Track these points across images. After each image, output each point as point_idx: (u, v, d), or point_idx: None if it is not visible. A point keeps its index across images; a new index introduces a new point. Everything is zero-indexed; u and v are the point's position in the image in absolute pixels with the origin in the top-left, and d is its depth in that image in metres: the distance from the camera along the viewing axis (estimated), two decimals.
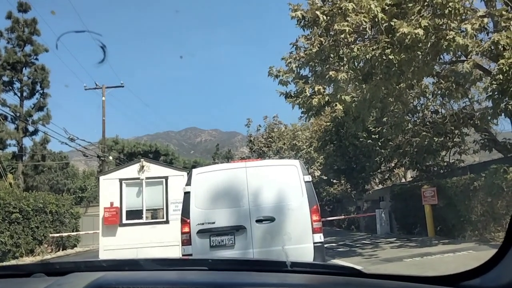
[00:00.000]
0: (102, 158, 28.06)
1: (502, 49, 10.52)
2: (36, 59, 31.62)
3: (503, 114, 12.28)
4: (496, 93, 11.14)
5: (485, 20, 11.05)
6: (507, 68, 10.16)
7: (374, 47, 10.85)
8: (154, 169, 12.71)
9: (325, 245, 7.66)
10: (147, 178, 12.43)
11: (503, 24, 10.94)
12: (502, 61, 10.46)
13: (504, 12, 10.95)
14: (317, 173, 28.25)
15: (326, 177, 27.15)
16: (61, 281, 1.22)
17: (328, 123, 22.71)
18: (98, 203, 14.00)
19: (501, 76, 10.52)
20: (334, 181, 27.57)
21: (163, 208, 12.41)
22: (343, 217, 25.42)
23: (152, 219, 12.71)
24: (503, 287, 1.17)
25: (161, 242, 11.56)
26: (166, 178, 12.47)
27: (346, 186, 26.99)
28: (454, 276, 1.31)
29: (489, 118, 12.60)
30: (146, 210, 12.59)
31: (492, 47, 10.75)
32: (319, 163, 28.54)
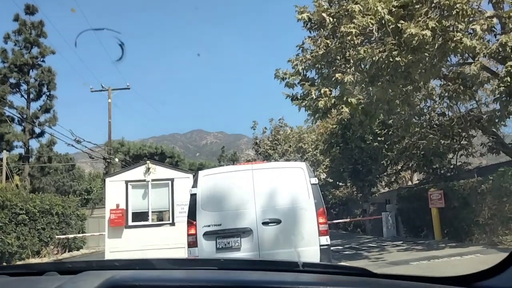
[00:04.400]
0: (108, 160, 28.16)
1: (510, 51, 10.46)
2: (43, 61, 31.85)
3: (510, 116, 12.21)
4: (503, 95, 11.08)
5: (494, 20, 10.98)
6: None
7: (381, 49, 10.83)
8: (160, 171, 12.73)
9: (331, 248, 7.63)
10: (153, 180, 12.45)
11: (510, 26, 10.88)
12: (510, 63, 10.40)
13: None
14: (323, 175, 28.17)
15: (332, 180, 27.08)
16: (75, 279, 1.22)
17: (334, 126, 22.65)
18: (104, 205, 14.05)
19: (508, 79, 10.46)
20: (340, 184, 27.47)
21: (169, 210, 12.41)
22: (349, 220, 25.33)
23: (158, 221, 12.72)
24: None
25: (167, 244, 11.56)
26: (172, 180, 12.48)
27: (352, 189, 26.90)
28: (467, 276, 1.30)
29: (496, 120, 12.52)
30: (152, 212, 12.60)
31: (500, 49, 10.69)
32: (325, 166, 28.47)
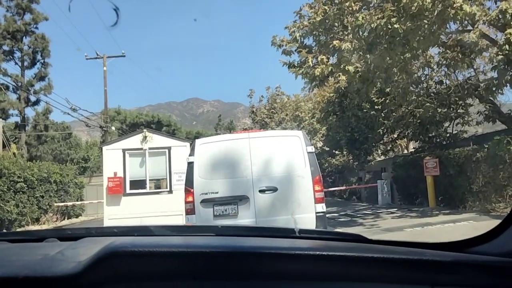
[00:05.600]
0: (105, 129, 28.11)
1: (510, 18, 10.32)
2: (36, 27, 31.23)
3: (508, 85, 12.17)
4: (502, 63, 11.01)
5: None
6: None
7: (379, 16, 10.65)
8: (157, 140, 12.74)
9: (327, 215, 7.75)
10: (150, 148, 12.48)
11: None
12: (509, 30, 10.28)
13: None
14: (320, 144, 28.28)
15: (328, 148, 27.19)
16: (75, 245, 1.24)
17: (331, 94, 22.55)
18: (101, 173, 14.12)
19: (507, 47, 10.36)
20: (336, 152, 27.61)
21: (166, 178, 12.50)
22: (344, 187, 25.61)
23: (155, 189, 12.83)
24: (509, 253, 1.18)
25: (165, 211, 11.70)
26: (169, 148, 12.52)
27: (348, 157, 27.05)
28: (460, 242, 1.33)
29: (494, 89, 12.48)
30: (150, 180, 12.69)
31: (500, 16, 10.55)
32: (321, 134, 28.53)
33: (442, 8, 10.40)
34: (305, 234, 1.47)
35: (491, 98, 14.17)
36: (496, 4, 11.64)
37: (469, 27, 12.44)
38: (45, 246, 1.34)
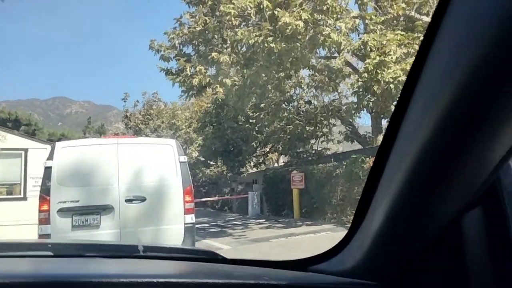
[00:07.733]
0: None
1: (369, 49, 11.57)
2: None
3: (365, 109, 13.59)
4: (361, 89, 12.25)
5: (357, 21, 12.02)
6: (372, 68, 11.22)
7: (257, 33, 11.08)
8: (12, 140, 11.44)
9: (197, 226, 7.72)
10: (2, 149, 11.11)
11: (371, 27, 12.03)
12: (368, 60, 11.50)
13: (373, 16, 12.04)
14: (195, 154, 28.20)
15: (204, 159, 27.25)
16: None
17: (209, 105, 22.73)
18: None
19: (366, 75, 11.58)
20: (211, 162, 27.82)
21: (20, 184, 11.27)
22: (217, 198, 25.85)
23: (7, 195, 11.47)
24: (345, 271, 1.23)
25: (17, 220, 10.48)
26: (26, 150, 11.32)
27: (222, 168, 27.44)
28: (304, 260, 1.35)
29: (353, 112, 13.82)
30: (0, 185, 11.31)
31: (362, 47, 11.76)
32: (197, 144, 28.50)
33: (313, 34, 11.24)
34: (151, 252, 1.36)
35: (350, 120, 15.69)
36: (358, 36, 12.98)
37: (336, 54, 13.65)
38: None
